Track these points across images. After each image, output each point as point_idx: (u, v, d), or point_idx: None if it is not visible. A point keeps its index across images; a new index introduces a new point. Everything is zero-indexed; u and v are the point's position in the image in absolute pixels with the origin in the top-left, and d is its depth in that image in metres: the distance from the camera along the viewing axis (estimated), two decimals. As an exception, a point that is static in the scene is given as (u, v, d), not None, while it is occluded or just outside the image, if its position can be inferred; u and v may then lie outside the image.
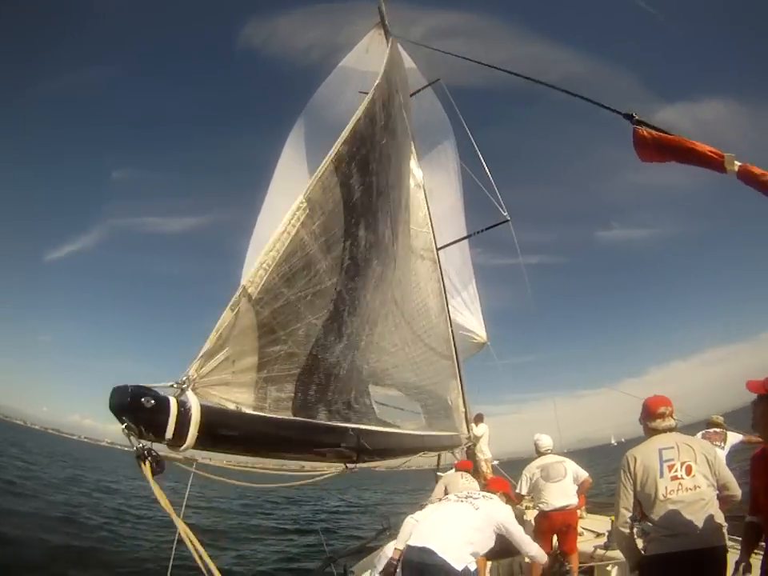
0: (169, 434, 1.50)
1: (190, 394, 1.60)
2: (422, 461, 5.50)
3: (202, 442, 1.59)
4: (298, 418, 1.93)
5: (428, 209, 6.29)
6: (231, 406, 1.71)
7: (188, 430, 1.53)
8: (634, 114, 1.95)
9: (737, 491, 2.48)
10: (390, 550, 3.42)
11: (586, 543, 4.98)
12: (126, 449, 1.51)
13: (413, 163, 6.26)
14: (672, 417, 2.64)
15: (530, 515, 5.56)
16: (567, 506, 4.64)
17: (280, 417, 1.84)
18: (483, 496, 3.31)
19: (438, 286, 5.85)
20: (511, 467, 6.74)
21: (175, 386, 1.61)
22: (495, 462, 6.68)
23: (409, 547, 2.88)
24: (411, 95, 7.19)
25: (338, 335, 2.23)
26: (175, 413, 1.51)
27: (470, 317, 7.19)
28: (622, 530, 2.51)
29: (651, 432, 2.64)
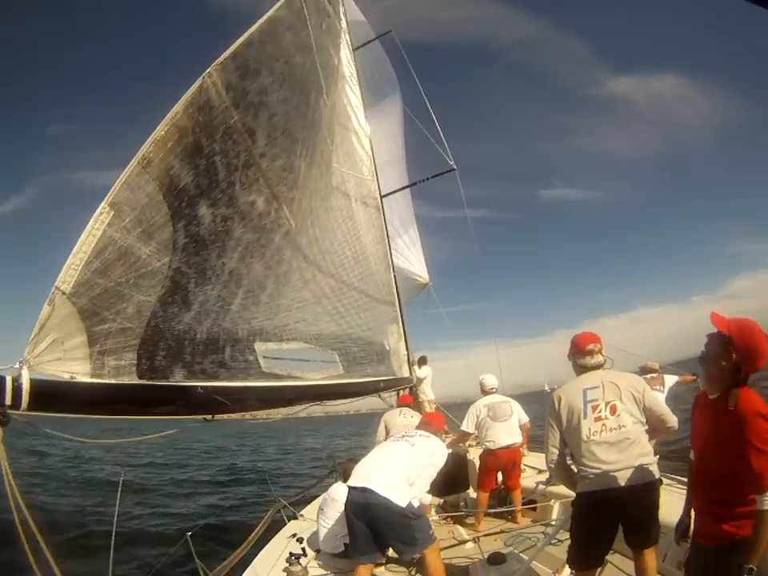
0: (7, 401, 2.02)
1: (24, 370, 2.10)
2: (374, 404, 6.03)
3: (37, 407, 2.09)
4: (137, 382, 2.38)
5: (373, 158, 6.37)
6: (66, 377, 2.19)
7: (21, 399, 2.03)
8: None
9: (672, 421, 2.56)
10: (335, 493, 3.78)
11: (528, 479, 5.32)
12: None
13: (357, 114, 6.29)
14: (601, 354, 2.68)
15: (474, 453, 5.83)
16: (513, 445, 4.91)
17: (116, 382, 2.31)
18: (420, 435, 3.46)
19: (381, 232, 6.06)
20: (455, 409, 7.17)
21: (17, 365, 2.13)
22: (434, 407, 7.20)
23: (350, 489, 3.01)
24: (358, 48, 7.14)
25: (182, 305, 2.59)
26: (10, 386, 2.01)
27: (411, 258, 7.44)
28: (553, 466, 2.64)
29: (580, 369, 2.70)
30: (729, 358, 1.78)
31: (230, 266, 3.01)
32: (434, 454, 3.29)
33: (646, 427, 2.50)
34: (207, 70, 2.70)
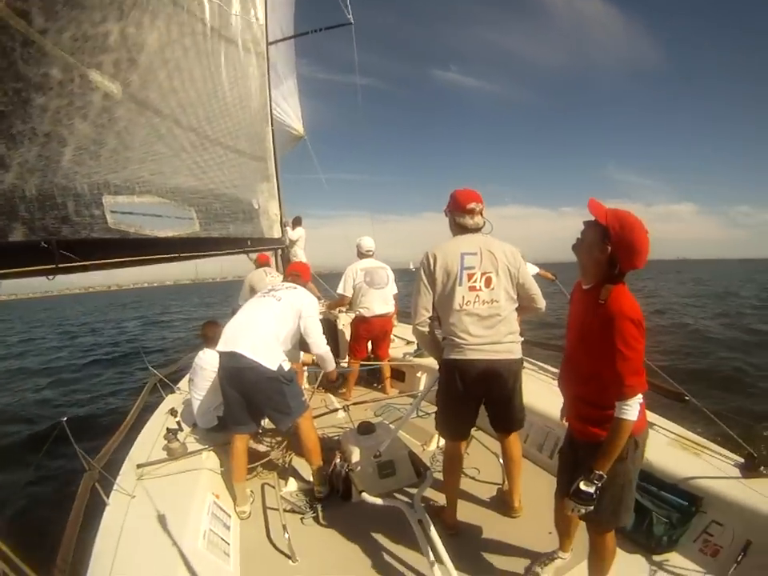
0: None
1: None
2: (242, 269, 6.36)
3: None
4: None
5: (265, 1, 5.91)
6: None
7: None
8: None
9: (541, 302, 2.60)
10: (201, 360, 3.92)
11: (397, 350, 5.68)
12: None
13: None
14: (482, 215, 2.61)
15: (345, 320, 6.27)
16: (387, 314, 5.09)
17: None
18: (287, 287, 3.50)
19: (263, 83, 6.02)
20: (328, 279, 7.63)
21: None
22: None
23: (220, 354, 3.03)
24: None
25: (1, 166, 2.95)
26: None
27: (287, 110, 7.46)
28: (421, 329, 2.57)
29: (457, 228, 2.63)
30: (604, 249, 1.73)
31: (42, 129, 3.26)
32: (303, 305, 3.31)
33: (516, 305, 2.55)
34: None
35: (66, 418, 3.50)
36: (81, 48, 3.63)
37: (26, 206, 3.17)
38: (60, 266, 3.13)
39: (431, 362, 3.38)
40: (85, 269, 3.46)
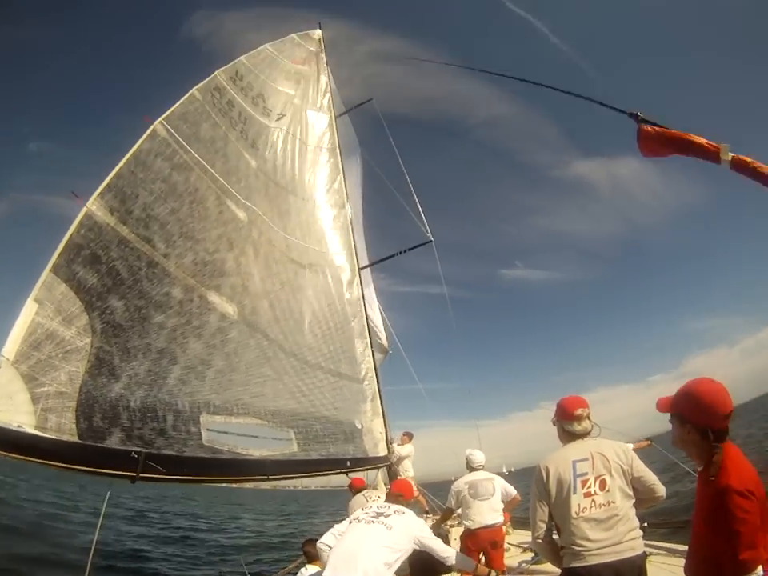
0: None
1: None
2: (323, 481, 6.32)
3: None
4: (72, 440, 3.13)
5: (352, 232, 7.47)
6: (14, 425, 2.98)
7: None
8: (639, 113, 2.34)
9: (661, 490, 2.74)
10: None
11: (512, 558, 5.56)
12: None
13: (339, 191, 7.64)
14: (589, 419, 2.86)
15: (455, 534, 6.17)
16: (494, 524, 5.15)
17: (51, 436, 3.08)
18: (395, 512, 3.63)
19: (359, 308, 6.84)
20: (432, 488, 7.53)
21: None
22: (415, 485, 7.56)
23: None
24: (340, 115, 9.03)
25: (110, 377, 3.41)
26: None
27: (378, 325, 8.14)
28: (540, 542, 2.76)
29: (566, 435, 2.88)
30: (690, 429, 1.93)
31: (157, 345, 3.91)
32: (416, 530, 3.53)
33: (634, 500, 2.67)
34: (86, 204, 3.80)
35: None
36: (201, 271, 4.66)
37: (128, 414, 3.50)
38: (141, 474, 3.31)
39: (550, 568, 3.65)
40: (166, 480, 3.64)
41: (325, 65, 9.16)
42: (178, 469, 3.64)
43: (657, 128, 2.30)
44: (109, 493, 3.59)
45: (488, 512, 5.20)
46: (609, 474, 2.63)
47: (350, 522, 3.68)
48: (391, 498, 4.04)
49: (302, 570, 4.31)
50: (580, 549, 2.54)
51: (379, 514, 3.58)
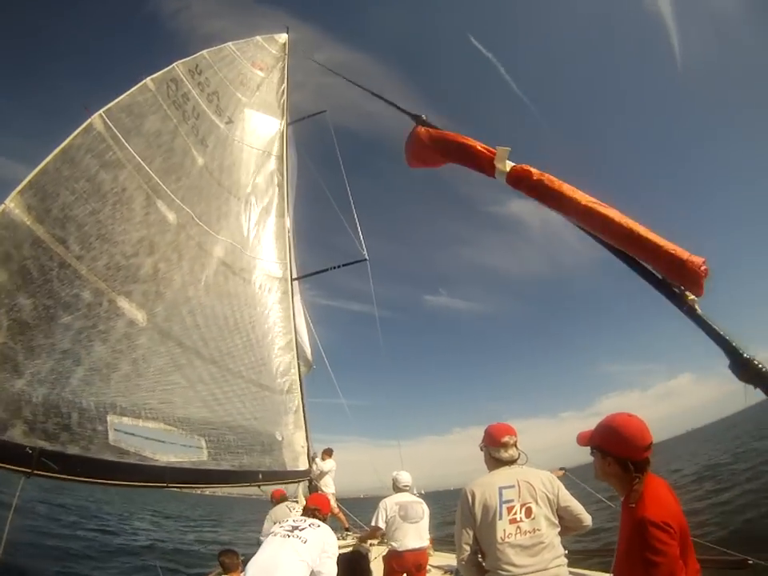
0: None
1: None
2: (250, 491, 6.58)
3: None
4: None
5: (289, 243, 7.81)
6: None
7: None
8: (423, 116, 2.28)
9: (588, 519, 2.93)
10: None
11: None
12: None
13: (278, 199, 7.97)
14: (516, 447, 3.03)
15: (376, 552, 6.46)
16: (421, 548, 5.46)
17: None
18: (310, 525, 3.81)
19: (288, 320, 7.16)
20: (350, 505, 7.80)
21: None
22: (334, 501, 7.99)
23: None
24: (292, 122, 9.47)
25: (13, 373, 3.64)
26: None
27: (304, 338, 8.52)
28: (464, 564, 2.88)
29: (493, 462, 3.02)
30: (609, 461, 2.06)
31: (61, 346, 4.10)
32: (326, 544, 3.70)
33: (559, 528, 2.83)
34: (5, 200, 3.97)
35: None
36: (113, 276, 4.86)
37: (31, 408, 3.71)
38: (35, 471, 3.51)
39: None
40: (61, 479, 3.82)
41: (285, 71, 9.62)
42: (74, 468, 3.81)
43: (432, 130, 2.19)
44: (21, 485, 3.80)
45: (416, 535, 5.47)
46: (535, 502, 2.78)
47: (267, 536, 3.83)
48: (307, 512, 4.20)
49: None
50: (506, 573, 2.66)
51: (294, 528, 3.75)
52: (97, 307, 4.63)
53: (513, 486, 2.80)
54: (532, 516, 2.74)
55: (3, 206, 3.97)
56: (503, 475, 2.90)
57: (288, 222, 7.88)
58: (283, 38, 10.19)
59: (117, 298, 4.86)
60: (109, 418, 4.33)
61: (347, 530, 8.28)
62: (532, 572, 2.63)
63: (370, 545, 6.71)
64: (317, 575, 3.55)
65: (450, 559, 6.41)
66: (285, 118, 9.10)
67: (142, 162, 5.56)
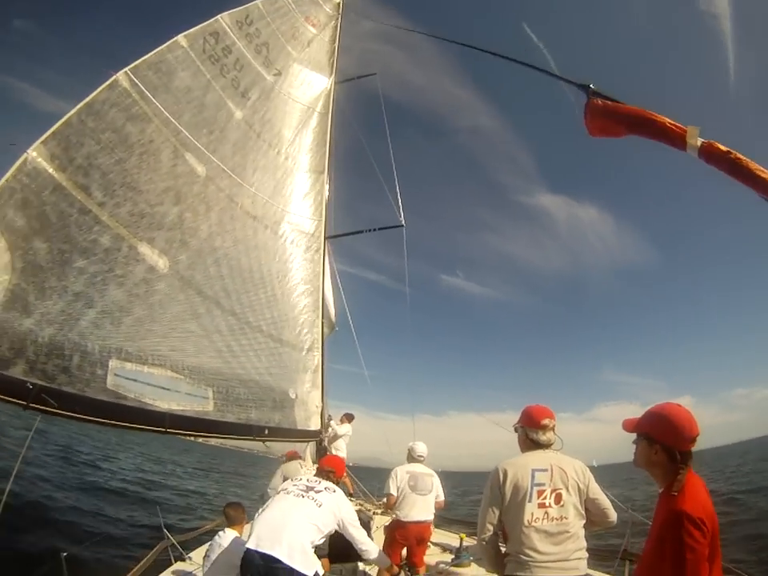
0: None
1: None
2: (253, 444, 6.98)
3: None
4: None
5: (326, 201, 7.99)
6: None
7: None
8: (591, 85, 2.27)
9: (613, 515, 3.02)
10: (222, 539, 4.53)
11: (432, 557, 6.07)
12: None
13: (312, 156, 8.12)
14: (554, 431, 3.08)
15: (379, 522, 6.75)
16: (426, 520, 5.63)
17: None
18: (326, 488, 3.87)
19: (317, 278, 7.38)
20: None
21: None
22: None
23: (249, 551, 3.30)
24: (341, 82, 9.63)
25: (22, 312, 4.13)
26: None
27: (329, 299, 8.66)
28: (486, 544, 2.92)
29: (529, 443, 3.07)
30: (656, 449, 2.14)
31: (73, 288, 4.54)
32: (343, 512, 3.82)
33: (584, 521, 2.89)
34: (27, 150, 4.33)
35: (65, 554, 4.54)
36: (136, 222, 5.25)
37: (35, 348, 4.20)
38: (32, 405, 3.97)
39: (470, 572, 4.59)
40: (57, 414, 4.33)
41: (338, 30, 9.70)
42: (71, 406, 4.28)
43: (609, 102, 2.23)
44: (37, 423, 4.40)
45: (423, 507, 5.63)
46: (566, 489, 2.83)
47: (278, 492, 3.90)
48: (322, 473, 4.28)
49: (220, 533, 4.72)
50: (527, 559, 2.71)
51: (309, 488, 3.82)
52: (115, 252, 5.01)
53: (546, 470, 2.85)
54: (561, 503, 2.79)
55: (26, 154, 4.38)
56: (537, 458, 2.95)
57: (326, 181, 8.01)
58: None
59: (138, 243, 5.24)
60: (111, 363, 4.71)
61: (351, 495, 8.58)
62: (554, 561, 2.68)
63: (373, 513, 7.04)
64: (354, 543, 3.87)
65: (449, 537, 6.58)
66: (333, 76, 9.17)
67: (170, 116, 5.86)
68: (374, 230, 8.37)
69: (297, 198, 7.67)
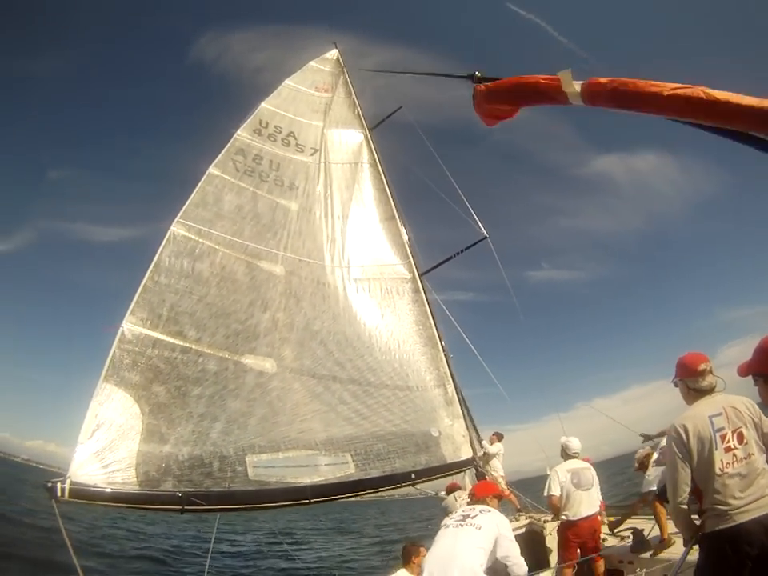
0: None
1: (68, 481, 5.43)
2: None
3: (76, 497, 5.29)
4: (134, 489, 5.39)
5: (408, 241, 8.83)
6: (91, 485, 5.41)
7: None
8: (476, 73, 2.28)
9: None
10: None
11: (609, 548, 6.28)
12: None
13: (372, 202, 9.15)
14: (713, 373, 3.25)
15: (550, 528, 7.01)
16: (593, 514, 6.05)
17: (116, 490, 5.33)
18: (481, 511, 4.27)
19: (425, 316, 8.07)
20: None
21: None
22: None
23: None
24: (375, 126, 10.70)
25: (159, 442, 5.65)
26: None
27: None
28: (683, 507, 3.07)
29: (693, 394, 3.27)
30: None
31: (197, 411, 5.97)
32: (499, 527, 4.14)
33: (765, 454, 3.05)
34: (122, 324, 6.03)
35: None
36: (234, 342, 6.73)
37: (178, 465, 5.70)
38: (186, 507, 5.29)
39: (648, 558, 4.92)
40: (208, 511, 5.65)
41: (349, 82, 10.89)
42: (221, 501, 5.65)
43: (489, 84, 2.24)
44: (216, 522, 5.85)
45: (589, 502, 6.00)
46: (744, 426, 3.01)
47: (440, 529, 4.36)
48: (474, 500, 4.80)
49: (397, 572, 5.52)
50: (726, 508, 2.86)
51: (466, 516, 4.25)
52: (224, 372, 6.44)
53: (720, 414, 3.03)
54: (744, 441, 2.96)
55: (121, 328, 6.16)
56: (708, 404, 3.14)
57: (400, 224, 8.83)
58: (334, 53, 11.76)
59: (241, 357, 6.65)
60: (247, 459, 5.95)
61: (519, 510, 8.84)
62: (751, 501, 2.84)
63: (544, 521, 7.26)
64: (504, 560, 4.05)
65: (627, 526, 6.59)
66: (365, 125, 10.21)
67: (232, 237, 7.38)
68: (461, 251, 8.84)
69: (379, 250, 8.63)
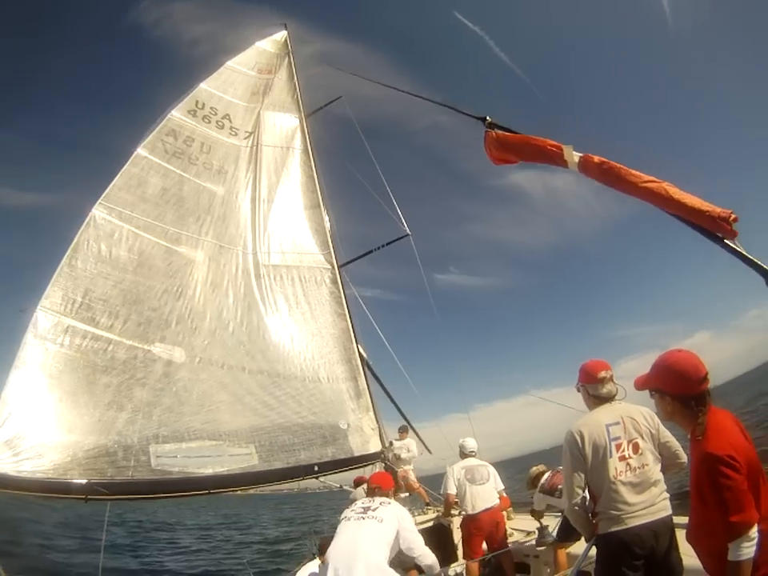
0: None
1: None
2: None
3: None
4: (41, 477, 5.95)
5: (329, 231, 9.31)
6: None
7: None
8: (487, 117, 2.72)
9: (684, 457, 3.32)
10: (302, 572, 5.83)
11: (515, 543, 6.91)
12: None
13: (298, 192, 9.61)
14: (613, 381, 3.49)
15: (457, 522, 7.63)
16: (493, 506, 6.64)
17: (26, 476, 5.88)
18: (381, 503, 4.39)
19: (340, 307, 8.64)
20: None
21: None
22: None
23: None
24: (311, 114, 11.04)
25: (67, 432, 6.20)
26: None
27: None
28: (577, 509, 3.32)
29: (593, 400, 3.51)
30: (668, 401, 2.53)
31: (103, 400, 6.49)
32: (400, 519, 4.28)
33: (660, 464, 3.30)
34: (36, 309, 6.58)
35: None
36: (145, 329, 7.11)
37: (84, 454, 6.27)
38: (89, 496, 5.79)
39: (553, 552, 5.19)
40: (111, 499, 6.17)
41: (293, 66, 11.12)
42: (123, 490, 6.13)
43: (500, 133, 2.69)
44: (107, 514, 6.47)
45: (486, 496, 6.61)
46: (640, 437, 3.24)
47: (340, 521, 4.42)
48: (372, 492, 4.91)
49: (309, 563, 6.01)
50: (618, 513, 3.11)
51: (366, 509, 4.34)
52: (132, 360, 6.80)
53: (618, 423, 3.26)
54: (639, 452, 3.20)
55: (34, 315, 6.58)
56: (606, 412, 3.38)
57: (324, 212, 9.27)
58: (282, 35, 11.87)
59: (151, 346, 7.05)
60: (150, 448, 6.39)
61: (428, 504, 9.65)
62: (642, 509, 3.09)
63: (451, 516, 7.82)
64: (410, 552, 4.25)
65: (533, 522, 7.04)
66: (302, 111, 10.50)
67: (153, 221, 7.70)
68: (383, 246, 9.46)
69: (301, 238, 9.05)
